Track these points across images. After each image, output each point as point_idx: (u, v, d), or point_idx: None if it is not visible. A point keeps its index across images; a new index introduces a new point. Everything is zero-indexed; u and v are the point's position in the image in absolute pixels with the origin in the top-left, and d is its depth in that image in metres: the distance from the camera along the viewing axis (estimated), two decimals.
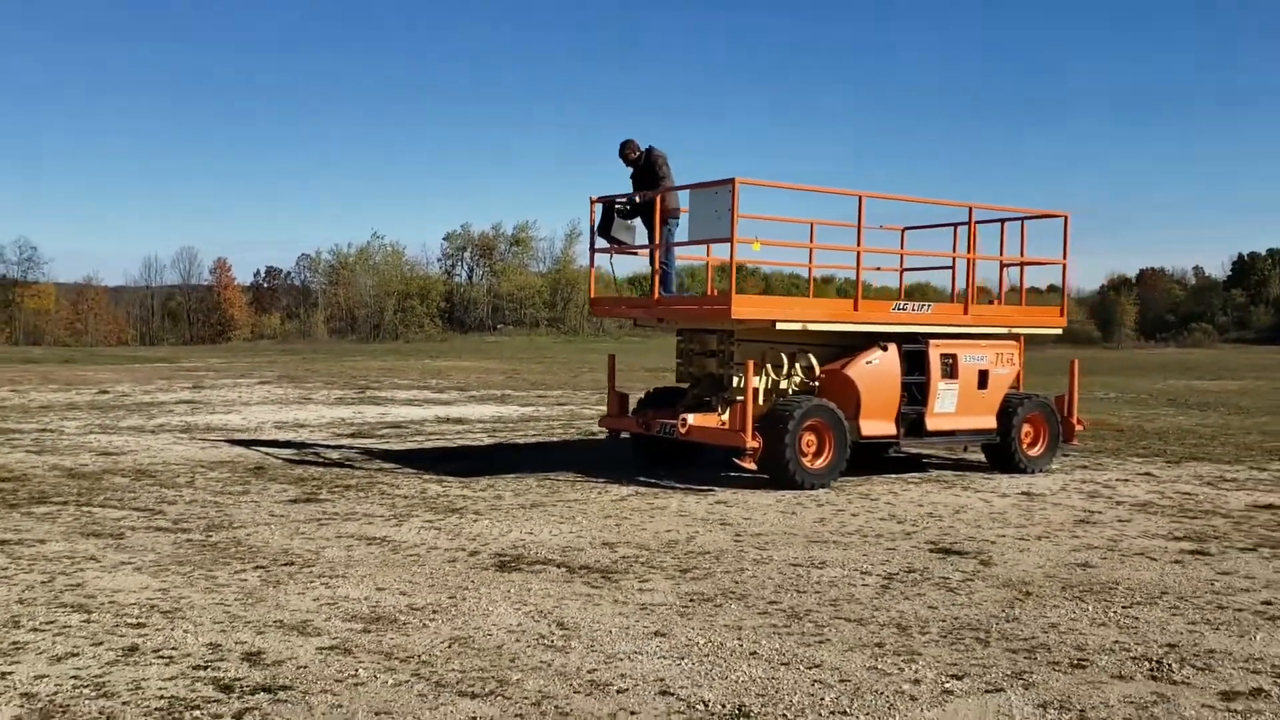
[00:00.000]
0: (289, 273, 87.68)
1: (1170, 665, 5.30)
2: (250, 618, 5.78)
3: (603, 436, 12.42)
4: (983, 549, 8.00)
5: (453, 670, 5.00)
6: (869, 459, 12.42)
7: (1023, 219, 12.69)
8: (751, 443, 10.29)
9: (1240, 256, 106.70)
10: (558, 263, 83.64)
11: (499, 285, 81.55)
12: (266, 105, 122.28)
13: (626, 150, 11.71)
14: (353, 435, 14.73)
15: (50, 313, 77.86)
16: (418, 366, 35.45)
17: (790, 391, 11.17)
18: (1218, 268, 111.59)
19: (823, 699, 4.73)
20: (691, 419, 10.70)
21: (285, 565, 7.00)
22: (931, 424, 11.45)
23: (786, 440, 10.29)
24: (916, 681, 5.00)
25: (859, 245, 11.04)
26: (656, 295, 11.23)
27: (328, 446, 13.46)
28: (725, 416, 10.80)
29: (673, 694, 4.74)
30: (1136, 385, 30.19)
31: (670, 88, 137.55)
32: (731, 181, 10.11)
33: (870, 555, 7.71)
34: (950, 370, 11.52)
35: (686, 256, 12.76)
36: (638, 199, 11.52)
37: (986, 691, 4.90)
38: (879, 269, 13.92)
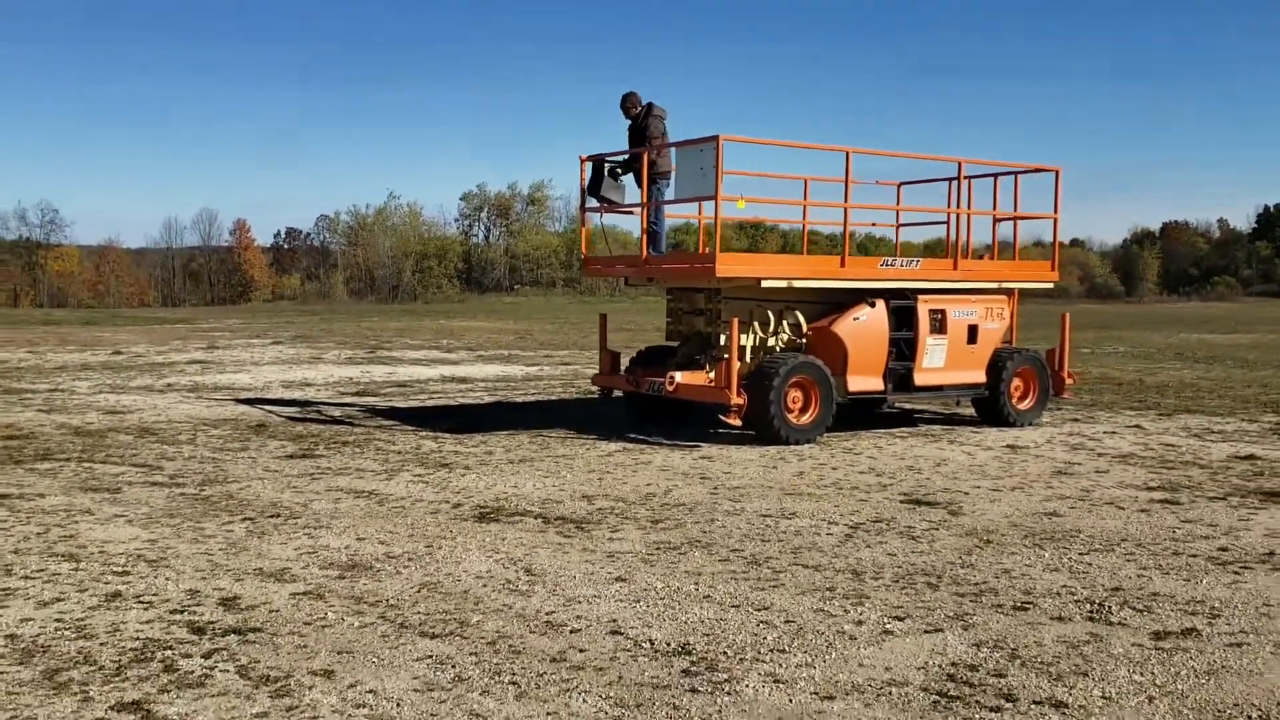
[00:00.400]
0: (309, 234, 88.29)
1: (1110, 607, 5.50)
2: (231, 566, 6.05)
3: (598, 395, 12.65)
4: (954, 500, 8.19)
5: (418, 613, 5.25)
6: (862, 414, 12.63)
7: (1016, 173, 12.74)
8: (736, 399, 10.47)
9: (1266, 208, 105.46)
10: (574, 222, 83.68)
11: (516, 245, 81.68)
12: (284, 65, 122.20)
13: (628, 104, 11.78)
14: (357, 394, 15.02)
15: (74, 275, 78.59)
16: (432, 327, 35.74)
17: (778, 348, 11.33)
18: (1243, 220, 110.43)
19: (765, 638, 4.95)
20: (679, 377, 10.88)
21: (272, 517, 7.27)
22: (920, 379, 11.59)
23: (771, 397, 10.46)
24: (859, 623, 5.22)
25: (846, 201, 11.14)
26: (645, 254, 11.38)
27: (331, 404, 13.74)
28: (713, 374, 10.98)
29: (622, 633, 4.97)
30: (1150, 339, 30.15)
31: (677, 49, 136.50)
32: (715, 139, 10.22)
33: (841, 506, 7.91)
34: (939, 325, 11.64)
35: (679, 215, 12.90)
36: (629, 158, 11.65)
37: (925, 632, 5.10)
38: (874, 225, 14.01)
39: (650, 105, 11.59)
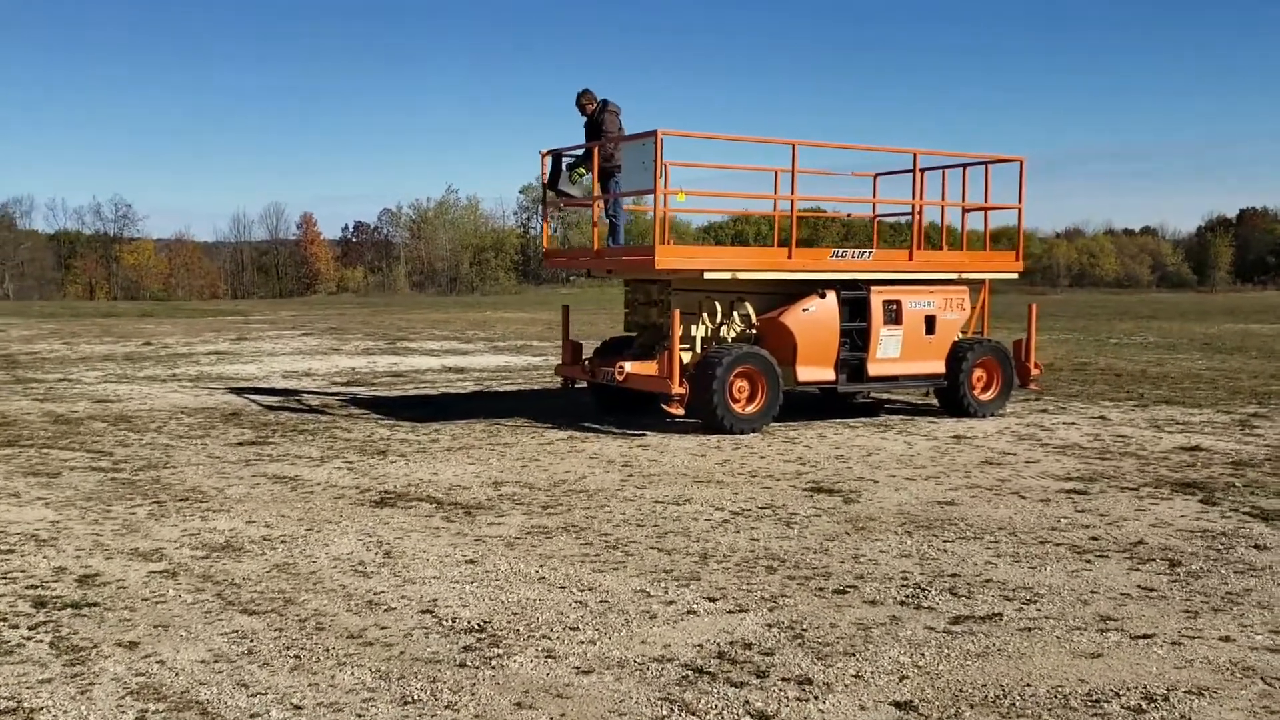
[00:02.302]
0: (376, 227, 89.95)
1: (929, 592, 5.60)
2: (113, 546, 6.41)
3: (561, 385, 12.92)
4: (859, 488, 8.28)
5: (253, 592, 5.55)
6: (835, 405, 12.74)
7: (985, 164, 12.68)
8: (678, 389, 10.64)
9: None
10: (630, 214, 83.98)
11: (572, 237, 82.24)
12: (348, 62, 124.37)
13: (583, 100, 12.01)
14: (347, 384, 15.47)
15: (148, 267, 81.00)
16: (472, 318, 36.31)
17: (731, 339, 11.47)
18: None
19: (567, 617, 5.16)
20: (629, 366, 11.08)
21: (181, 500, 7.65)
22: (874, 369, 11.64)
23: (715, 386, 10.62)
24: (671, 603, 5.39)
25: (793, 194, 11.22)
26: (597, 247, 11.59)
27: (316, 394, 14.19)
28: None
29: (432, 613, 5.21)
30: (1190, 329, 29.50)
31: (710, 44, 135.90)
32: (654, 133, 10.38)
33: (740, 494, 8.06)
34: (894, 316, 11.67)
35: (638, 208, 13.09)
36: (585, 154, 11.86)
37: (729, 612, 5.27)
38: (849, 216, 14.02)
39: (605, 102, 11.80)
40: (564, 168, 11.97)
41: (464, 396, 14.11)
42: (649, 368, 11.10)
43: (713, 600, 5.44)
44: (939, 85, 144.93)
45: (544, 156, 11.99)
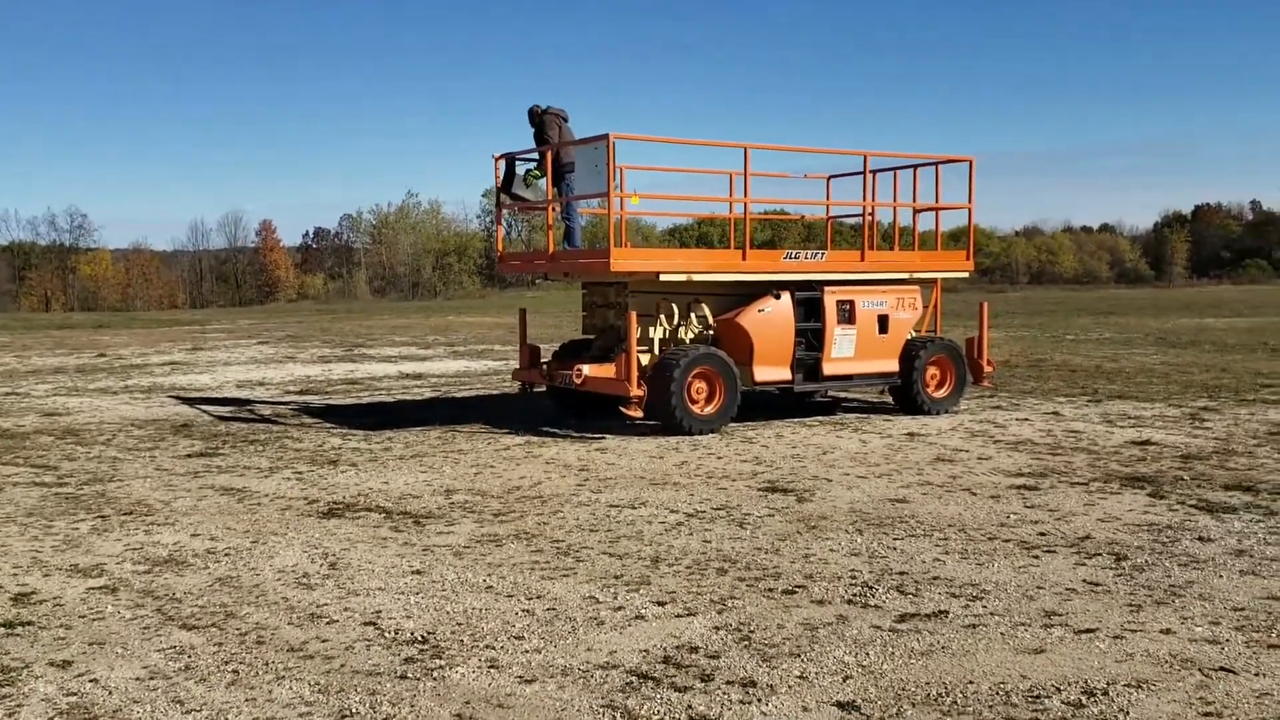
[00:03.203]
0: (337, 233, 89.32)
1: (877, 591, 5.60)
2: (53, 562, 6.29)
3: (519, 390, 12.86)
4: (813, 487, 8.29)
5: (194, 606, 5.45)
6: (794, 404, 12.77)
7: (936, 164, 12.74)
8: (636, 391, 10.62)
9: None
10: (595, 216, 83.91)
11: (536, 241, 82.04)
12: (307, 67, 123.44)
13: (530, 115, 12.04)
14: (301, 393, 15.31)
15: (105, 278, 79.91)
16: (433, 323, 36.08)
17: (689, 340, 11.46)
18: (1277, 202, 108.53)
19: (513, 626, 5.11)
20: (586, 369, 11.04)
21: (126, 515, 7.52)
22: (829, 369, 11.67)
23: (673, 388, 10.60)
24: (619, 609, 5.36)
25: (746, 196, 11.23)
26: (551, 249, 11.55)
27: (269, 403, 14.03)
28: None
29: (375, 624, 5.15)
30: (1146, 325, 29.85)
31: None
32: (606, 137, 10.36)
33: (695, 495, 8.04)
34: (848, 316, 11.71)
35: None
36: (539, 159, 11.82)
37: (678, 616, 5.24)
38: (804, 218, 14.06)
39: (548, 108, 11.81)
40: (518, 171, 11.91)
41: (420, 403, 14.00)
42: (607, 370, 11.07)
43: (662, 604, 5.41)
44: (896, 88, 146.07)
45: (498, 160, 11.93)
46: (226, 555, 6.42)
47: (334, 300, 73.70)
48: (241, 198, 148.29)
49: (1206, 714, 4.03)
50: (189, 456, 9.95)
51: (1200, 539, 6.58)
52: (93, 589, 5.76)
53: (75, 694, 4.32)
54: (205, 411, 13.15)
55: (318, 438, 11.02)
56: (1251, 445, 9.87)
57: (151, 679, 4.47)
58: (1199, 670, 4.44)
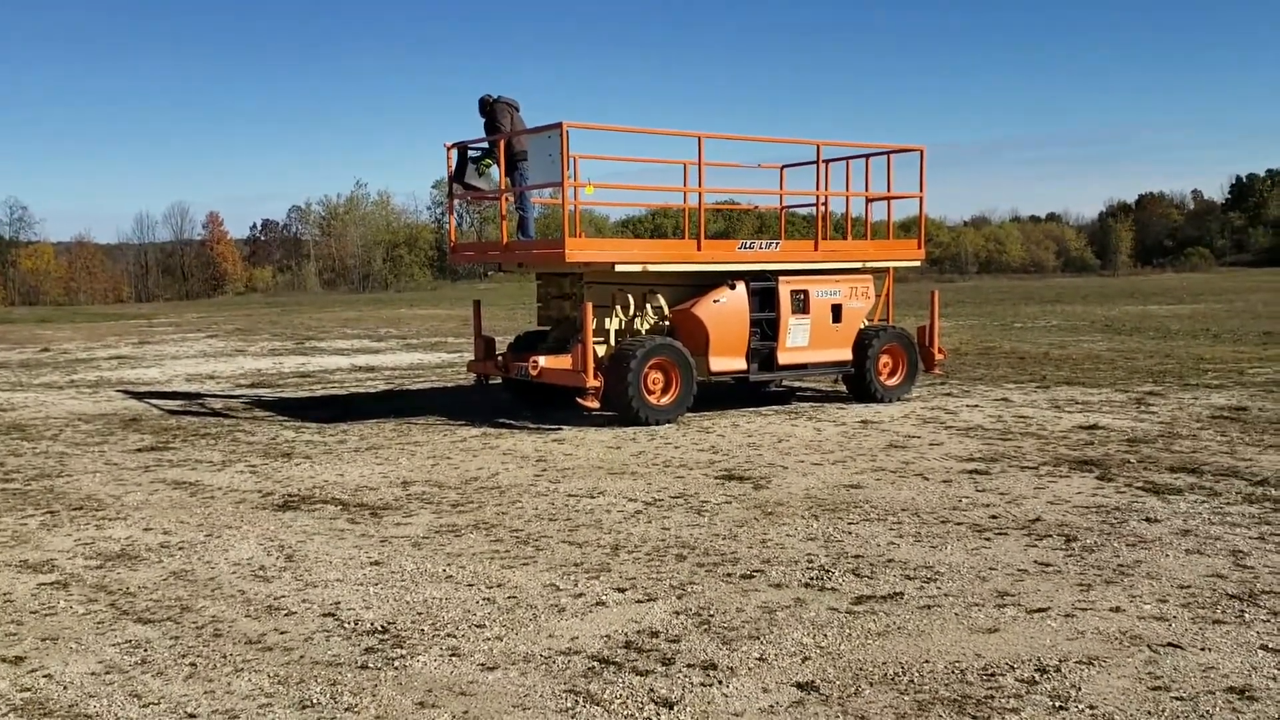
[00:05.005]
0: (285, 225, 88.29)
1: (833, 574, 5.67)
2: (2, 558, 6.18)
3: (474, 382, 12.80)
4: (769, 474, 8.35)
5: (148, 600, 5.40)
6: (749, 393, 12.84)
7: (887, 154, 12.87)
8: (592, 382, 10.63)
9: (1238, 178, 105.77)
10: (548, 207, 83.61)
11: (489, 232, 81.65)
12: (252, 57, 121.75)
13: (480, 105, 11.98)
14: (251, 386, 15.14)
15: (47, 272, 78.33)
16: (384, 316, 35.79)
17: (645, 331, 11.48)
18: (1217, 191, 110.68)
19: (474, 614, 5.11)
20: (543, 361, 11.02)
21: (76, 510, 7.41)
22: (784, 358, 11.76)
23: (629, 379, 10.62)
24: (579, 595, 5.38)
25: (700, 185, 11.27)
26: (505, 240, 11.52)
27: (220, 397, 13.87)
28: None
29: (334, 615, 5.13)
30: (1092, 312, 30.34)
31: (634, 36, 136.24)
32: (559, 125, 10.34)
33: (653, 484, 8.07)
34: (802, 306, 11.79)
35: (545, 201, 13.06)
36: (489, 147, 11.77)
37: (638, 601, 5.27)
38: (756, 208, 14.13)
39: (499, 98, 11.76)
40: (470, 161, 11.86)
41: (374, 396, 13.91)
42: (563, 362, 11.06)
43: (622, 591, 5.44)
44: (847, 80, 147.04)
45: (449, 150, 11.86)
46: (180, 549, 6.35)
47: (283, 293, 72.86)
48: (187, 190, 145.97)
49: (1155, 688, 4.13)
50: (139, 451, 9.81)
51: (1147, 520, 6.73)
52: (43, 584, 5.67)
53: (29, 689, 4.26)
54: (154, 406, 12.97)
55: (270, 431, 10.91)
56: (1195, 429, 10.10)
57: (108, 673, 4.43)
58: (1147, 646, 4.55)
